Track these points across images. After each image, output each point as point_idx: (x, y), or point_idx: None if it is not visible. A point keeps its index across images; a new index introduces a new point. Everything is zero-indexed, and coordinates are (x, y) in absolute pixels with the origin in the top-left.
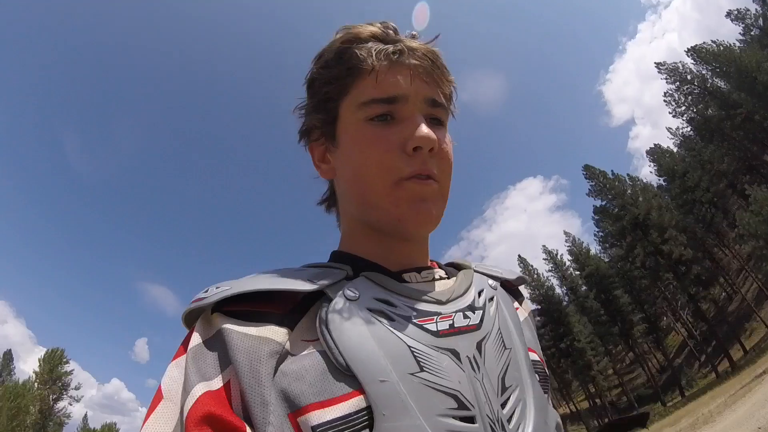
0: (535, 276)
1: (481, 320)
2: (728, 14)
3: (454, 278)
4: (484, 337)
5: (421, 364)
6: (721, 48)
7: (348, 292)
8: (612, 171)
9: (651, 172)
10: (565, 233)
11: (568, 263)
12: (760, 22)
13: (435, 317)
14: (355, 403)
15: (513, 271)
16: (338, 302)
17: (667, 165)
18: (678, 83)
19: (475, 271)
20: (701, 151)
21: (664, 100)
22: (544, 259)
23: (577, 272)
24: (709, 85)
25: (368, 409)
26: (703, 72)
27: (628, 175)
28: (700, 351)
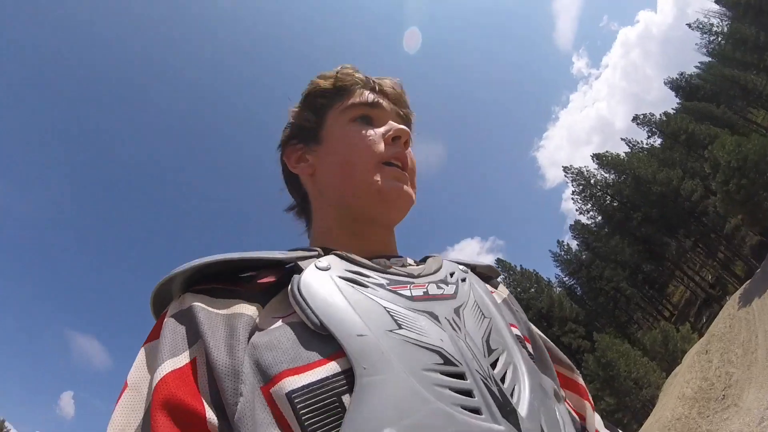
0: None
1: (456, 291)
2: (634, 119)
3: (423, 264)
4: (461, 305)
5: (399, 322)
6: (621, 157)
7: (319, 263)
8: (521, 266)
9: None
10: None
11: None
12: (662, 128)
13: (408, 285)
14: (333, 366)
15: (486, 263)
16: (310, 270)
17: (571, 259)
18: (582, 186)
19: (445, 259)
20: (606, 242)
21: (572, 199)
22: None
23: None
24: (609, 191)
25: (346, 373)
26: (606, 176)
27: (534, 270)
28: None
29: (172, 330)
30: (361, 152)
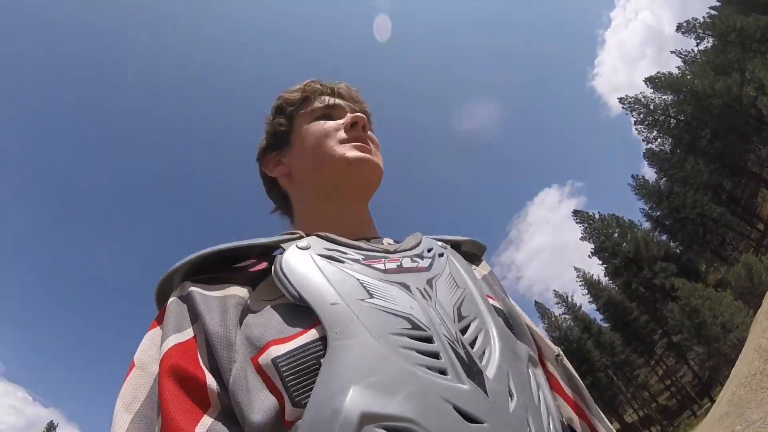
0: (553, 319)
1: (431, 264)
2: (678, 28)
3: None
4: (435, 276)
5: (371, 291)
6: (675, 75)
7: (300, 243)
8: (599, 213)
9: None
10: (575, 269)
11: (579, 303)
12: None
13: (383, 260)
14: (312, 334)
15: (468, 238)
16: (291, 251)
17: (650, 189)
18: (643, 114)
19: (425, 236)
20: (681, 167)
21: (636, 129)
22: (556, 303)
23: (592, 308)
24: (671, 112)
25: (323, 339)
26: (664, 98)
27: (613, 215)
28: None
29: (176, 310)
30: (325, 137)
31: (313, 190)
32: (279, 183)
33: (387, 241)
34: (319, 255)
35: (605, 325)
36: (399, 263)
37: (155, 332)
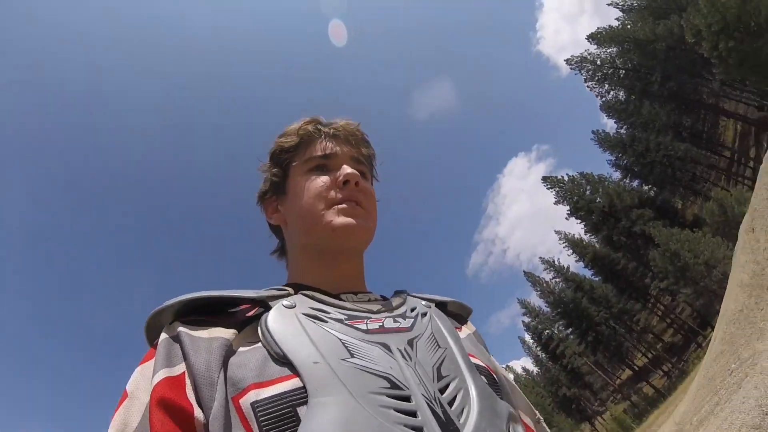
0: (544, 285)
1: (413, 325)
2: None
3: (386, 301)
4: (416, 336)
5: (352, 351)
6: (616, 27)
7: (285, 302)
8: (567, 174)
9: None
10: (556, 232)
11: (566, 264)
12: None
13: (366, 320)
14: (292, 383)
15: (454, 300)
16: (276, 309)
17: (612, 140)
18: (591, 71)
19: (410, 295)
20: (638, 114)
21: (587, 86)
22: (544, 269)
23: (580, 266)
24: (618, 63)
25: (304, 389)
26: (609, 51)
27: (581, 173)
28: None
29: (167, 347)
30: (314, 198)
31: (302, 248)
32: (280, 227)
33: (373, 297)
34: (303, 314)
35: (596, 279)
36: (381, 323)
37: (147, 365)
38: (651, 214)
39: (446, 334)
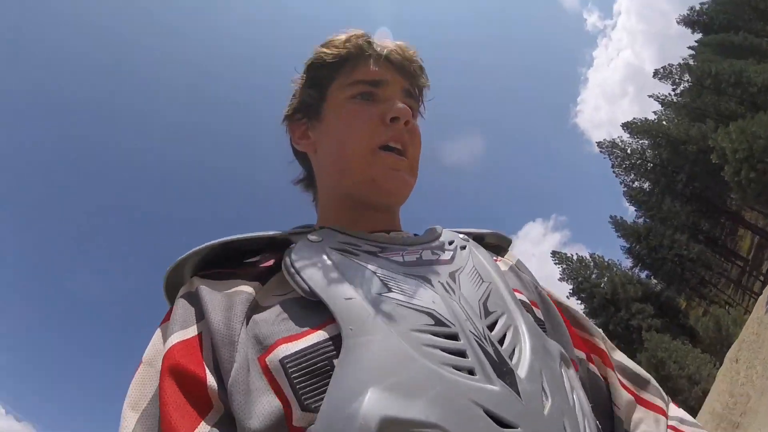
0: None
1: (453, 257)
2: (655, 74)
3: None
4: (458, 269)
5: (389, 285)
6: (651, 120)
7: (311, 237)
8: (577, 254)
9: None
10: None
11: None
12: (686, 78)
13: (401, 252)
14: (323, 333)
15: (492, 231)
16: (302, 243)
17: (628, 228)
18: (620, 158)
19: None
20: (659, 208)
21: (613, 172)
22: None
23: None
24: (647, 156)
25: (336, 338)
26: (642, 143)
27: (592, 254)
28: None
29: (183, 307)
30: (357, 134)
31: (335, 192)
32: (307, 154)
33: (406, 234)
34: (331, 248)
35: None
36: (419, 255)
37: (163, 328)
38: (652, 310)
39: (489, 267)
